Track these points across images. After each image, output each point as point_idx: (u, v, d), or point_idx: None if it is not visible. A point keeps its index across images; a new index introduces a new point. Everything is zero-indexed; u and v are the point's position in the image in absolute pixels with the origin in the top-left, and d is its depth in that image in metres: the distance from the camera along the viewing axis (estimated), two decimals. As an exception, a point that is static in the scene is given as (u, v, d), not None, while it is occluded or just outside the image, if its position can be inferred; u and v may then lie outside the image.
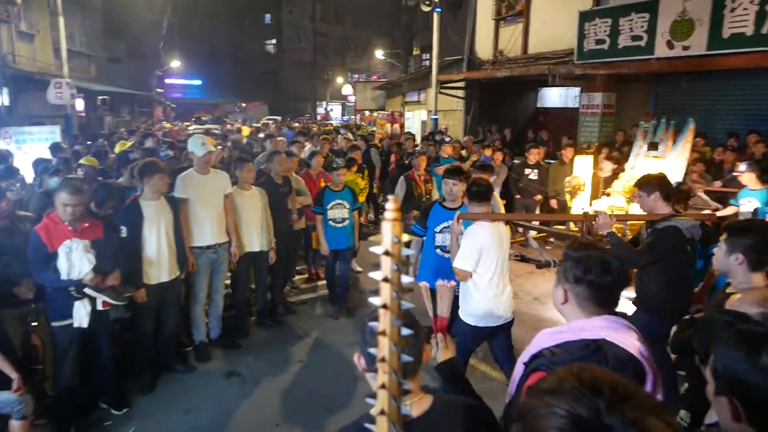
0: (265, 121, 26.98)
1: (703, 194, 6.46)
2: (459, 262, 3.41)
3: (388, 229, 0.86)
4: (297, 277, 6.83)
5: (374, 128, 19.75)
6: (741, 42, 7.79)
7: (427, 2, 13.80)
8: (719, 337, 1.28)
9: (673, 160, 6.49)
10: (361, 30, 43.05)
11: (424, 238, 4.41)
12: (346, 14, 43.47)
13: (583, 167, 7.04)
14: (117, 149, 7.91)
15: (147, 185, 4.10)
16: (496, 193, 8.27)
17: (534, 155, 8.07)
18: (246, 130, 18.05)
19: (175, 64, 31.43)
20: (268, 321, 5.57)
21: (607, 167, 7.43)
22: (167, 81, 33.36)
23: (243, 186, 5.13)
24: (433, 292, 2.05)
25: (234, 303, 5.33)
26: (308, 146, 9.28)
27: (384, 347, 0.88)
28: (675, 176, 6.23)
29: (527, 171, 8.14)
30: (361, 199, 7.49)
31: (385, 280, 0.86)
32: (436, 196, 7.16)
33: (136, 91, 24.87)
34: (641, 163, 6.72)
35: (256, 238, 5.15)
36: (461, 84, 15.10)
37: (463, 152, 10.23)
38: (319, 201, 5.68)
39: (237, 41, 41.40)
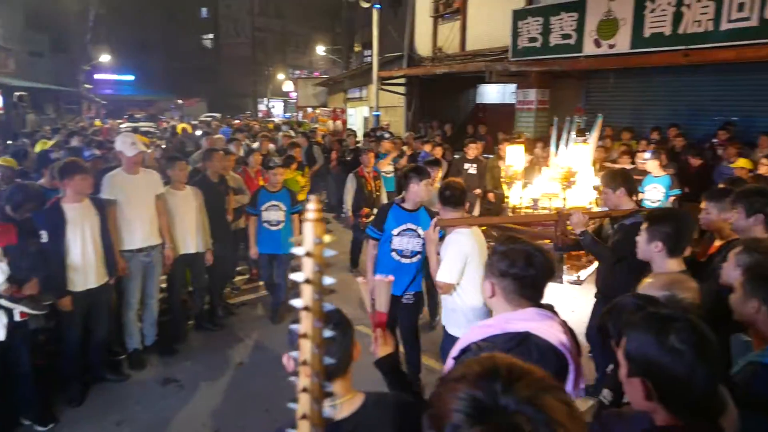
0: (204, 119, 26.18)
1: None
2: (443, 275, 3.11)
3: (309, 229, 0.83)
4: (237, 278, 6.67)
5: (317, 125, 19.54)
6: (660, 41, 8.26)
7: (366, -1, 13.79)
8: (630, 321, 1.34)
9: (589, 148, 6.95)
10: (302, 25, 42.47)
11: (379, 241, 4.06)
12: (286, 9, 42.72)
13: (514, 156, 7.22)
14: (37, 148, 7.44)
15: (68, 187, 3.86)
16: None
17: (473, 150, 8.23)
18: (182, 128, 17.44)
19: (105, 58, 29.84)
20: (207, 324, 5.40)
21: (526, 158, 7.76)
22: (96, 76, 31.62)
23: (176, 186, 4.95)
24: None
25: (170, 307, 5.14)
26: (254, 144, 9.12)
27: (305, 350, 0.85)
28: (588, 161, 6.73)
29: (466, 166, 8.29)
30: (302, 196, 7.37)
31: (307, 281, 0.83)
32: (384, 193, 7.17)
33: (61, 87, 23.43)
34: (565, 151, 7.03)
35: (191, 239, 4.99)
36: (402, 80, 15.21)
37: (405, 148, 10.31)
38: (253, 202, 5.48)
39: (172, 35, 39.81)
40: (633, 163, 7.89)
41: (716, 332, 2.33)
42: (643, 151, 7.50)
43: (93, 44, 29.41)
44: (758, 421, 1.75)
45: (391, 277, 1.87)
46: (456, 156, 9.22)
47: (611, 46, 8.92)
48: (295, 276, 0.84)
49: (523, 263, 1.66)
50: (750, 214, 2.86)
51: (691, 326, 1.23)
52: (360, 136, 12.57)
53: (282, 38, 43.56)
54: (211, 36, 43.58)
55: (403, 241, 3.95)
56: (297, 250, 0.84)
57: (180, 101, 36.78)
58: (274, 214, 5.41)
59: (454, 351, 1.71)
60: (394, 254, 3.98)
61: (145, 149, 4.74)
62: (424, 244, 3.91)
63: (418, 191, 3.89)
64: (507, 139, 9.29)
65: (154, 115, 27.36)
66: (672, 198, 6.43)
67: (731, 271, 2.40)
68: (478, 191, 8.29)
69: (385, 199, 6.86)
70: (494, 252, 1.74)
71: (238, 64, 41.12)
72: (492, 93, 14.99)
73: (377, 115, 14.75)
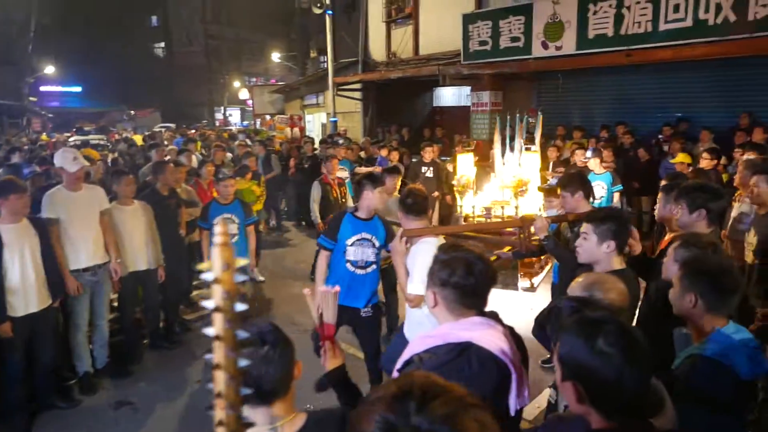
0: (158, 129, 25.52)
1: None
2: (414, 287, 2.95)
3: (217, 254, 0.80)
4: (194, 292, 6.50)
5: (274, 133, 19.33)
6: (604, 42, 8.54)
7: (319, 5, 13.75)
8: (562, 325, 1.36)
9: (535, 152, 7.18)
10: (256, 32, 41.95)
11: (332, 251, 3.89)
12: (239, 16, 42.11)
13: (465, 164, 7.23)
14: (-27, 167, 7.05)
15: (3, 207, 3.67)
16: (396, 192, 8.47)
17: (429, 153, 8.29)
18: (138, 139, 16.96)
19: (50, 69, 28.74)
20: (162, 342, 5.24)
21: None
22: (42, 88, 30.44)
23: (123, 201, 4.80)
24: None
25: (122, 327, 4.97)
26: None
27: (219, 381, 0.82)
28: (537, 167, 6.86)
29: (423, 169, 8.34)
30: (258, 206, 7.31)
31: (217, 309, 0.80)
32: (350, 199, 7.12)
33: (3, 101, 22.42)
34: (514, 158, 7.14)
35: (141, 256, 4.84)
36: (358, 86, 15.21)
37: (362, 153, 10.32)
38: (204, 215, 5.30)
39: (121, 44, 38.62)
40: (589, 150, 8.12)
41: (663, 327, 2.41)
42: (579, 148, 7.64)
43: (37, 55, 28.26)
44: (697, 413, 1.81)
45: (337, 288, 1.84)
46: (413, 160, 9.28)
47: (558, 48, 9.16)
48: (205, 303, 0.81)
49: (463, 272, 1.64)
50: (693, 209, 2.94)
51: (620, 329, 1.25)
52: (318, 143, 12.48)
53: (236, 46, 42.93)
54: (162, 44, 42.59)
55: (357, 252, 3.81)
56: (206, 276, 0.81)
57: (132, 112, 35.75)
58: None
59: (399, 363, 1.69)
60: (348, 265, 3.83)
61: (86, 164, 4.56)
62: (378, 254, 3.87)
63: (372, 199, 3.78)
64: (462, 142, 9.40)
65: (104, 128, 26.47)
66: (616, 194, 6.59)
67: (670, 266, 2.48)
68: (436, 194, 8.35)
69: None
70: (435, 261, 1.72)
71: (192, 73, 40.30)
72: (448, 96, 15.17)
73: (334, 121, 14.70)
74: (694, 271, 2.00)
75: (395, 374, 1.67)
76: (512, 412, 1.62)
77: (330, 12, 13.93)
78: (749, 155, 6.06)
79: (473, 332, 1.60)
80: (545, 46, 9.32)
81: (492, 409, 0.90)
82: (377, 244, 3.83)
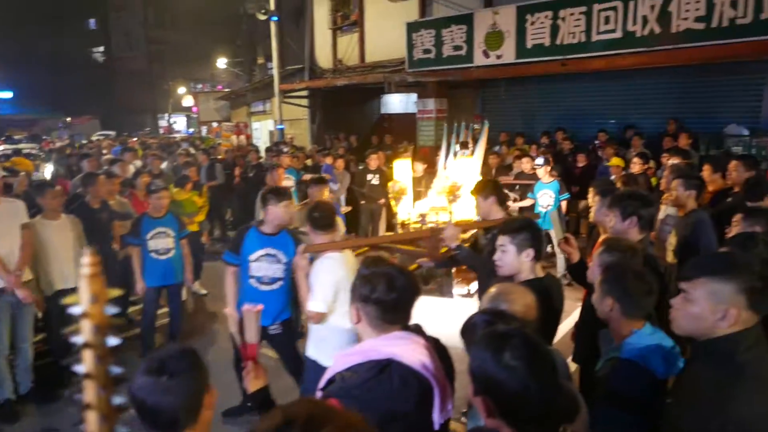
0: (97, 138, 24.45)
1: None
2: (315, 305, 2.92)
3: (85, 286, 0.75)
4: (131, 309, 6.22)
5: (220, 140, 18.89)
6: (541, 51, 8.84)
7: (263, 11, 13.56)
8: (473, 339, 1.37)
9: (475, 159, 7.15)
10: (202, 37, 40.92)
11: (238, 267, 3.76)
12: (183, 21, 40.99)
13: (401, 171, 7.14)
14: None
15: None
16: (342, 199, 8.44)
17: (374, 161, 8.30)
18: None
19: (-24, 74, 27.03)
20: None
21: (419, 168, 7.89)
22: (-32, 95, 28.58)
23: (49, 215, 4.54)
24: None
25: (49, 348, 4.70)
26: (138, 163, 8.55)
27: (91, 423, 0.76)
28: (475, 173, 6.84)
29: (369, 176, 8.35)
30: (201, 217, 7.07)
31: (87, 345, 0.74)
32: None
33: None
34: (453, 163, 7.20)
35: (69, 272, 4.57)
36: (305, 93, 15.09)
37: (308, 161, 10.22)
38: (135, 230, 4.98)
39: (56, 48, 36.82)
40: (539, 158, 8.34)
41: (595, 330, 2.48)
42: (530, 156, 7.83)
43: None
44: (615, 414, 1.86)
45: (260, 306, 1.80)
46: (360, 167, 9.27)
47: (498, 57, 9.39)
48: (75, 339, 0.75)
49: (385, 287, 1.62)
50: (625, 217, 3.03)
51: (525, 343, 1.27)
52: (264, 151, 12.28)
53: (181, 51, 41.71)
54: (101, 49, 40.91)
55: (261, 267, 3.66)
56: (74, 310, 0.75)
57: (68, 119, 34.11)
58: (162, 241, 4.97)
59: (322, 382, 1.66)
60: (252, 281, 3.67)
61: (5, 174, 4.29)
62: (287, 270, 3.69)
63: (278, 213, 3.66)
64: (399, 148, 9.39)
65: (37, 136, 25.08)
66: (563, 202, 6.83)
67: (595, 271, 2.56)
68: (382, 201, 8.37)
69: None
70: (357, 276, 1.71)
71: (134, 79, 38.92)
72: (396, 103, 15.27)
73: (281, 129, 14.52)
74: (611, 276, 2.08)
75: (318, 394, 1.64)
76: (436, 426, 1.62)
77: (275, 18, 13.76)
78: (674, 160, 6.42)
79: (394, 348, 1.58)
80: (486, 54, 9.54)
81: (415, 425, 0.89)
82: (284, 259, 3.67)
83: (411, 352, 1.58)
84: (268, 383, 1.83)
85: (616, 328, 2.09)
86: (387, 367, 1.54)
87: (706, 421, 1.49)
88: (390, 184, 7.13)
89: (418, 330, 1.74)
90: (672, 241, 3.93)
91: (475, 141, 9.40)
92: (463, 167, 6.67)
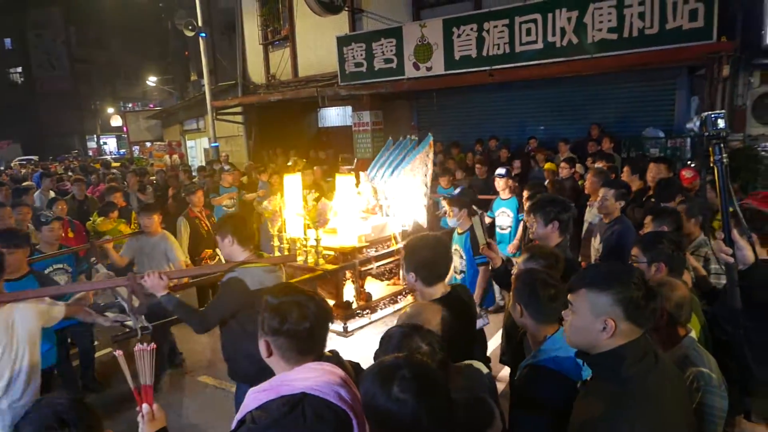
0: (15, 163, 23.02)
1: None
2: None
3: None
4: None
5: (153, 161, 18.19)
6: (469, 63, 9.08)
7: (191, 27, 13.24)
8: (364, 375, 1.33)
9: (412, 174, 5.92)
10: (130, 55, 39.62)
11: None
12: (108, 38, 39.58)
13: (346, 187, 5.71)
14: None
15: None
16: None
17: (309, 177, 8.20)
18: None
19: None
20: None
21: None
22: None
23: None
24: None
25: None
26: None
27: None
28: (416, 188, 5.94)
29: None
30: None
31: None
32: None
33: None
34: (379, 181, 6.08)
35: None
36: (239, 109, 14.81)
37: (244, 179, 9.99)
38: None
39: (-33, 69, 34.57)
40: (467, 176, 8.49)
41: (522, 336, 2.49)
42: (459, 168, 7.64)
43: None
44: (531, 420, 1.87)
45: (153, 345, 1.68)
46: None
47: (428, 69, 9.57)
48: None
49: (296, 316, 1.54)
50: (547, 222, 3.10)
51: (413, 372, 1.25)
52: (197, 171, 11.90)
53: (108, 69, 40.21)
54: (19, 69, 38.66)
55: None
56: None
57: (-15, 144, 31.95)
58: (60, 279, 4.36)
59: (234, 422, 1.54)
60: None
61: None
62: None
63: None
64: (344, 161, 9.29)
65: (-51, 164, 23.33)
66: (522, 223, 5.72)
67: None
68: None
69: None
70: (265, 307, 1.60)
71: (58, 99, 37.02)
72: (333, 116, 15.25)
73: (216, 146, 14.16)
74: (518, 283, 2.11)
75: None
76: None
77: (203, 35, 13.47)
78: (598, 164, 6.73)
79: (307, 381, 1.50)
80: (417, 67, 9.70)
81: None
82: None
83: (325, 384, 1.50)
84: (166, 424, 1.73)
85: (530, 334, 2.11)
86: (300, 402, 1.46)
87: None
88: (265, 203, 5.97)
89: (335, 357, 1.67)
90: (597, 246, 4.05)
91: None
92: (344, 185, 5.55)
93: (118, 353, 1.72)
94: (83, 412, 1.32)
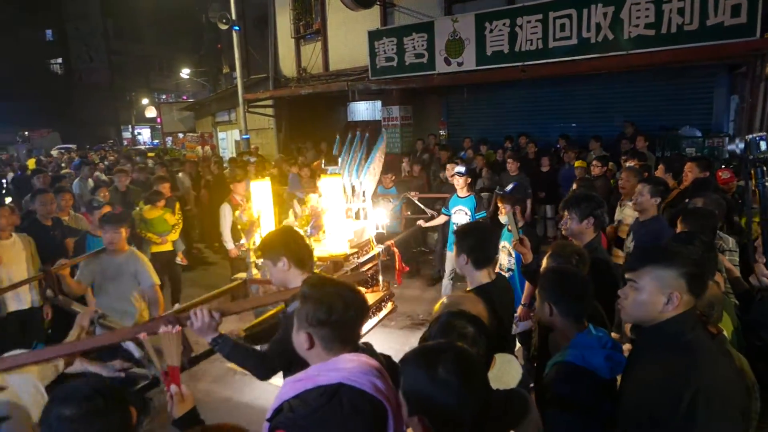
0: (55, 151, 23.79)
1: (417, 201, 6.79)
2: None
3: None
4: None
5: (185, 152, 18.58)
6: (501, 58, 9.00)
7: (225, 20, 13.44)
8: (404, 359, 1.36)
9: (373, 170, 5.43)
10: (165, 47, 40.36)
11: None
12: (144, 31, 40.30)
13: (259, 194, 4.59)
14: None
15: None
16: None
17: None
18: (31, 163, 15.63)
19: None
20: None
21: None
22: None
23: (-1, 234, 4.38)
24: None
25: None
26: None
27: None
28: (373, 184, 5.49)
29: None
30: (174, 236, 6.50)
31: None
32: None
33: None
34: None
35: (23, 293, 4.43)
36: (270, 102, 14.99)
37: (274, 171, 10.13)
38: (79, 250, 4.79)
39: (11, 60, 35.68)
40: (495, 173, 8.45)
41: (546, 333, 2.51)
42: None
43: None
44: (561, 417, 1.89)
45: (179, 328, 1.72)
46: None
47: (459, 64, 9.52)
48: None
49: (342, 306, 1.56)
50: (583, 218, 3.10)
51: (457, 356, 1.27)
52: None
53: (143, 61, 41.04)
54: (60, 60, 39.79)
55: None
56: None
57: (26, 133, 33.05)
58: None
59: (269, 411, 1.58)
60: None
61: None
62: None
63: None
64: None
65: (-7, 151, 24.24)
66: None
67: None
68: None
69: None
70: (306, 298, 1.61)
71: (95, 90, 37.99)
72: (362, 110, 15.27)
73: (246, 138, 14.38)
74: (545, 282, 2.12)
75: (265, 425, 1.58)
76: None
77: (237, 28, 13.65)
78: (631, 163, 6.60)
79: (343, 372, 1.52)
80: (448, 62, 9.66)
81: None
82: None
83: (362, 374, 1.52)
84: (195, 404, 1.76)
85: (559, 332, 2.13)
86: (337, 392, 1.48)
87: (677, 399, 1.56)
88: (237, 213, 5.13)
89: (368, 349, 1.69)
90: (629, 245, 3.98)
91: (442, 146, 9.41)
92: (329, 187, 4.74)
93: (143, 336, 1.75)
94: (113, 389, 1.39)
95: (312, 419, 1.46)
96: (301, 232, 4.03)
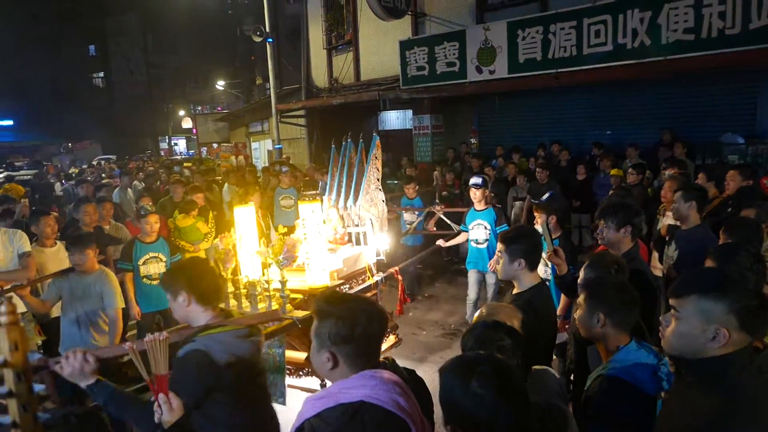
0: (97, 161, 24.66)
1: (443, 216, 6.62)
2: None
3: (3, 336, 0.73)
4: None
5: (220, 162, 18.99)
6: (534, 66, 8.90)
7: (258, 33, 13.72)
8: (442, 368, 1.34)
9: (368, 177, 4.92)
10: (200, 60, 41.45)
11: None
12: (181, 45, 41.53)
13: (243, 220, 4.17)
14: None
15: None
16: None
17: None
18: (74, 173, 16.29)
19: (-23, 103, 27.33)
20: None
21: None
22: (-31, 124, 28.85)
23: (43, 242, 4.57)
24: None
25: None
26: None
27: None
28: (373, 195, 4.89)
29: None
30: (206, 244, 6.68)
31: (11, 395, 0.72)
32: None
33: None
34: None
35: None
36: (302, 112, 15.20)
37: (306, 179, 10.24)
38: (127, 256, 4.91)
39: (56, 74, 37.26)
40: (528, 181, 8.34)
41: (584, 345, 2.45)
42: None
43: (-37, 88, 26.88)
44: (601, 432, 1.83)
45: (165, 334, 1.72)
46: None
47: (491, 72, 9.46)
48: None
49: (365, 321, 1.52)
50: (620, 226, 3.01)
51: (493, 369, 1.24)
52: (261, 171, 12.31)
53: (180, 74, 42.22)
54: (101, 74, 41.38)
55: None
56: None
57: (69, 144, 34.40)
58: (154, 266, 4.92)
59: (291, 431, 1.55)
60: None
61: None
62: None
63: None
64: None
65: (38, 162, 25.27)
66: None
67: (581, 286, 2.54)
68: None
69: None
70: (326, 317, 1.55)
71: (134, 102, 39.27)
72: (393, 119, 15.35)
73: (279, 148, 14.60)
74: (595, 292, 2.05)
75: None
76: None
77: (270, 40, 13.92)
78: (671, 171, 6.41)
79: (365, 389, 1.47)
80: (479, 70, 9.61)
81: None
82: None
83: (384, 392, 1.47)
84: (184, 413, 1.75)
85: (603, 345, 2.06)
86: (358, 410, 1.44)
87: None
88: (216, 241, 4.35)
89: (392, 365, 1.65)
90: (672, 254, 3.86)
91: (473, 154, 9.26)
92: (307, 215, 4.19)
93: (128, 345, 1.72)
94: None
95: None
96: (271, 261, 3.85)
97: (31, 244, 4.51)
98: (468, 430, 1.22)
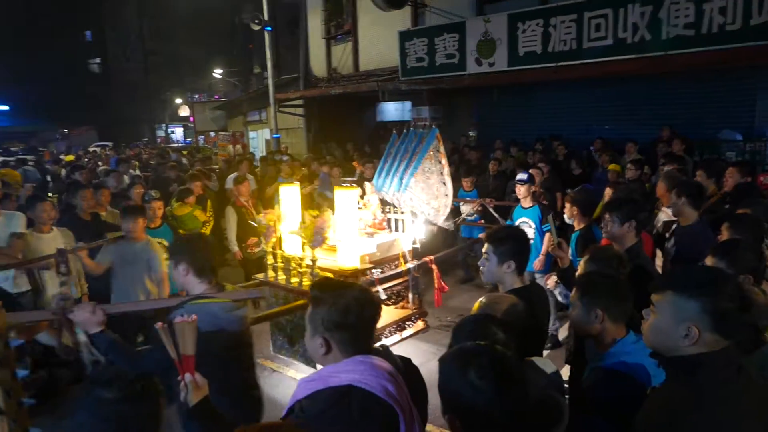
0: (94, 148, 24.52)
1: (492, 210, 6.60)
2: None
3: None
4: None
5: (217, 150, 18.92)
6: (533, 59, 8.87)
7: (257, 21, 13.62)
8: (441, 358, 1.36)
9: (422, 172, 4.66)
10: (198, 48, 41.14)
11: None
12: (179, 32, 41.19)
13: (288, 197, 4.59)
14: None
15: None
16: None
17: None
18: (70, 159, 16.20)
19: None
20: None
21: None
22: (-36, 108, 28.64)
23: (40, 228, 4.55)
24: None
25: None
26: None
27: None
28: (434, 191, 4.69)
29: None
30: (204, 233, 6.75)
31: None
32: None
33: None
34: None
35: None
36: (300, 102, 15.14)
37: (304, 170, 10.22)
38: None
39: (52, 61, 36.95)
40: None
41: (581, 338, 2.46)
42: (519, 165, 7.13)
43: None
44: (600, 424, 1.85)
45: (194, 317, 1.74)
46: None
47: (491, 65, 9.42)
48: None
49: (358, 308, 1.55)
50: (624, 221, 3.02)
51: (491, 360, 1.26)
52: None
53: (177, 61, 41.92)
54: (98, 60, 41.08)
55: None
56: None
57: (66, 130, 34.20)
58: None
59: (284, 410, 1.59)
60: None
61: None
62: None
63: None
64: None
65: (34, 148, 25.13)
66: (547, 235, 5.04)
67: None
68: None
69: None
70: (319, 303, 1.58)
71: (131, 89, 39.11)
72: (392, 111, 15.26)
73: (277, 138, 14.54)
74: (591, 287, 2.06)
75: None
76: None
77: (269, 28, 13.83)
78: (668, 167, 6.42)
79: (354, 374, 1.50)
80: (479, 62, 9.58)
81: None
82: None
83: (373, 377, 1.50)
84: (209, 393, 1.78)
85: (600, 338, 2.07)
86: (347, 395, 1.47)
87: None
88: (259, 217, 4.80)
89: (385, 352, 1.67)
90: (669, 249, 3.89)
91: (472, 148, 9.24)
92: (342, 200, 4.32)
93: (159, 325, 1.75)
94: (147, 376, 1.45)
95: (321, 420, 1.46)
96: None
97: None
98: (466, 420, 1.23)
